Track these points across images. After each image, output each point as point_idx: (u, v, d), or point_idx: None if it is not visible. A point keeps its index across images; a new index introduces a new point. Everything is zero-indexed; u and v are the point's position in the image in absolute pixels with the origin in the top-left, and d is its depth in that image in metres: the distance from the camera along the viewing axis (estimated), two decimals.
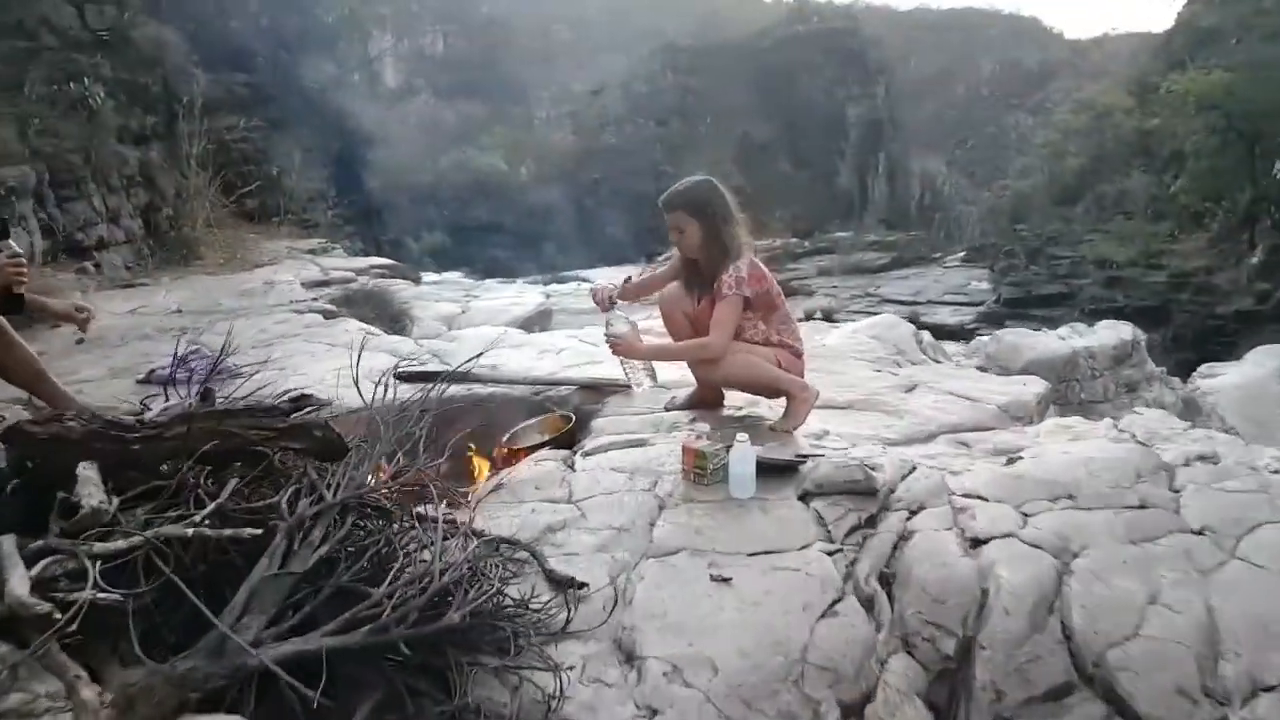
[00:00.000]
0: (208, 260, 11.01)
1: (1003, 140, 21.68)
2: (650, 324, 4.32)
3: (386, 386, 3.17)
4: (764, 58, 24.83)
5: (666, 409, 4.05)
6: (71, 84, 10.18)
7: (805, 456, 3.30)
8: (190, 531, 1.98)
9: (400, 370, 4.42)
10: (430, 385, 4.21)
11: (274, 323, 6.05)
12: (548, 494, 3.21)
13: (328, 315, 6.29)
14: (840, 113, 24.20)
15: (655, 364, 3.97)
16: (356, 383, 3.27)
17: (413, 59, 31.24)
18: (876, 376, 5.08)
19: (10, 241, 3.51)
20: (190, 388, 4.43)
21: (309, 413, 2.42)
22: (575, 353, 5.09)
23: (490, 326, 6.04)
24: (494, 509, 3.13)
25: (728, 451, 3.17)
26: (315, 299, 6.96)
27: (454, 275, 12.63)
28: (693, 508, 3.05)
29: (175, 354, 4.66)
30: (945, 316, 14.05)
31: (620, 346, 3.76)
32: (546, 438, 3.97)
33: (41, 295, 3.94)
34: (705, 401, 4.05)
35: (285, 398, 2.42)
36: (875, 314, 15.56)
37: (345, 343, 5.39)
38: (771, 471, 3.20)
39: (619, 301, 3.83)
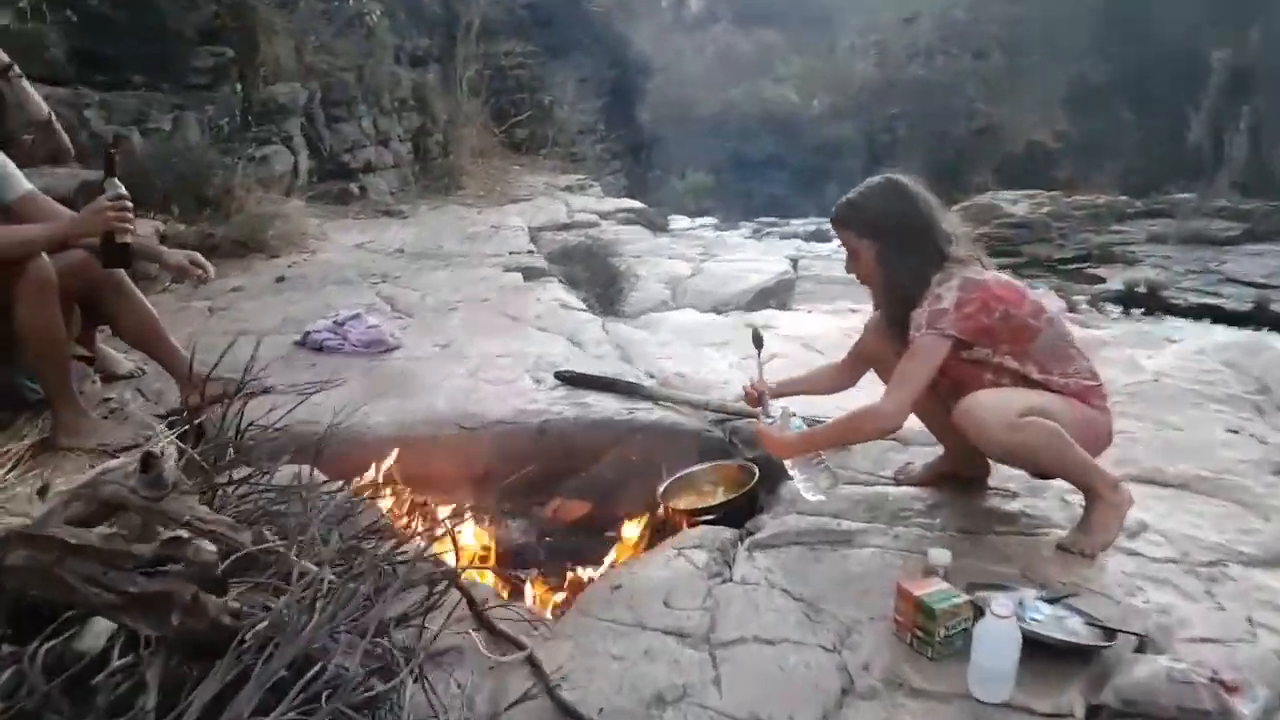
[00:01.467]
0: (468, 191, 10.74)
1: None
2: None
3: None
4: None
5: (897, 481, 2.81)
6: (350, 0, 10.08)
7: (1112, 633, 1.98)
8: None
9: (562, 371, 3.49)
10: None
11: (473, 280, 5.34)
12: (677, 619, 2.13)
13: (530, 275, 5.49)
14: (1201, 55, 20.19)
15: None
16: None
17: None
18: (1230, 441, 3.47)
19: (115, 180, 2.90)
20: (345, 355, 3.79)
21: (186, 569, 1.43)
22: (794, 362, 3.90)
23: (696, 312, 4.95)
24: (592, 632, 2.09)
25: (975, 613, 1.93)
26: (531, 251, 6.21)
27: (704, 222, 11.46)
28: (899, 707, 1.85)
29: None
30: None
31: (765, 441, 2.63)
32: (717, 499, 2.88)
33: (155, 245, 3.36)
34: (956, 473, 2.76)
35: (160, 539, 1.46)
36: (1214, 295, 12.70)
37: (532, 316, 4.53)
38: (1045, 649, 1.93)
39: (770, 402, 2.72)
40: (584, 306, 4.91)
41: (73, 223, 2.92)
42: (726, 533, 2.55)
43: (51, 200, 3.14)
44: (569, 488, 3.04)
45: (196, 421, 3.32)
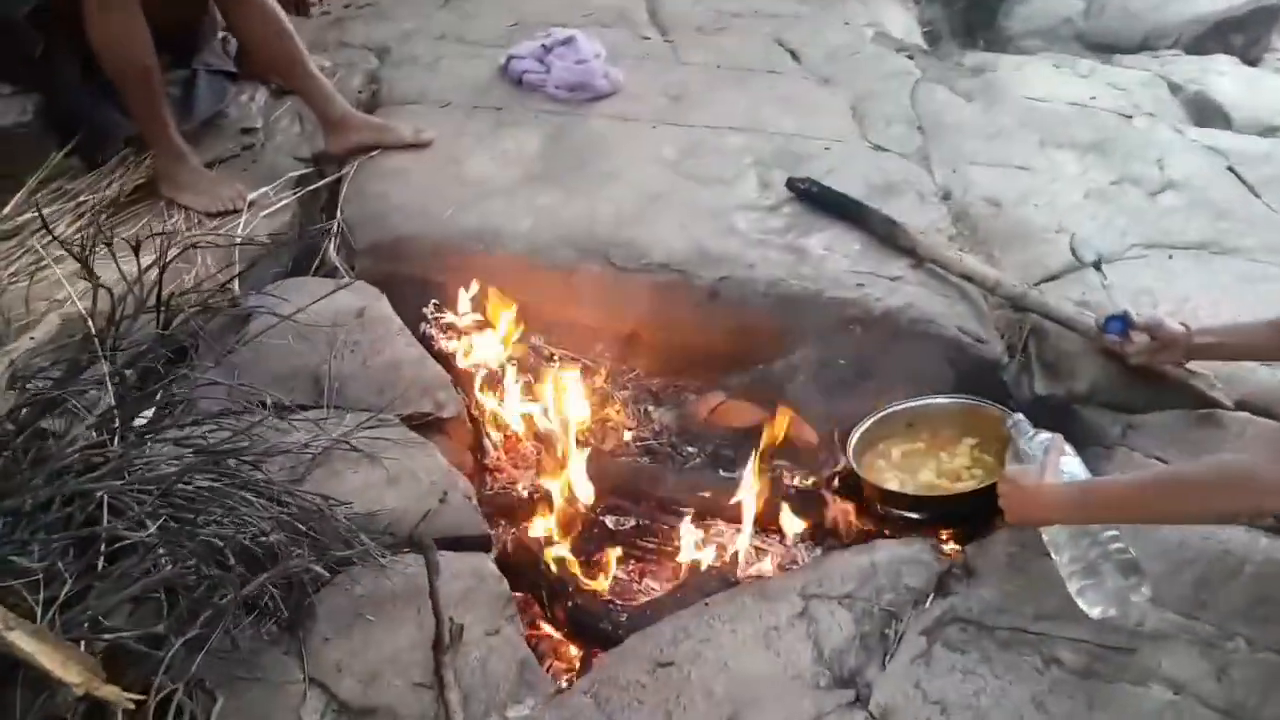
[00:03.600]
0: None
1: None
2: None
3: None
4: None
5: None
6: None
7: None
8: None
9: (799, 180, 2.45)
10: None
11: None
12: None
13: None
14: None
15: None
16: None
17: None
18: None
19: None
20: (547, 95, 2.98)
21: None
22: (1193, 204, 2.47)
23: (1072, 72, 3.19)
24: None
25: None
26: None
27: None
28: None
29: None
30: None
31: (1004, 494, 1.53)
32: (954, 460, 1.87)
33: None
34: None
35: None
36: None
37: (820, 56, 3.26)
38: None
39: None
40: (914, 40, 3.55)
41: None
42: (912, 577, 1.59)
43: None
44: (740, 383, 2.14)
45: (331, 179, 2.79)
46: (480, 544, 1.68)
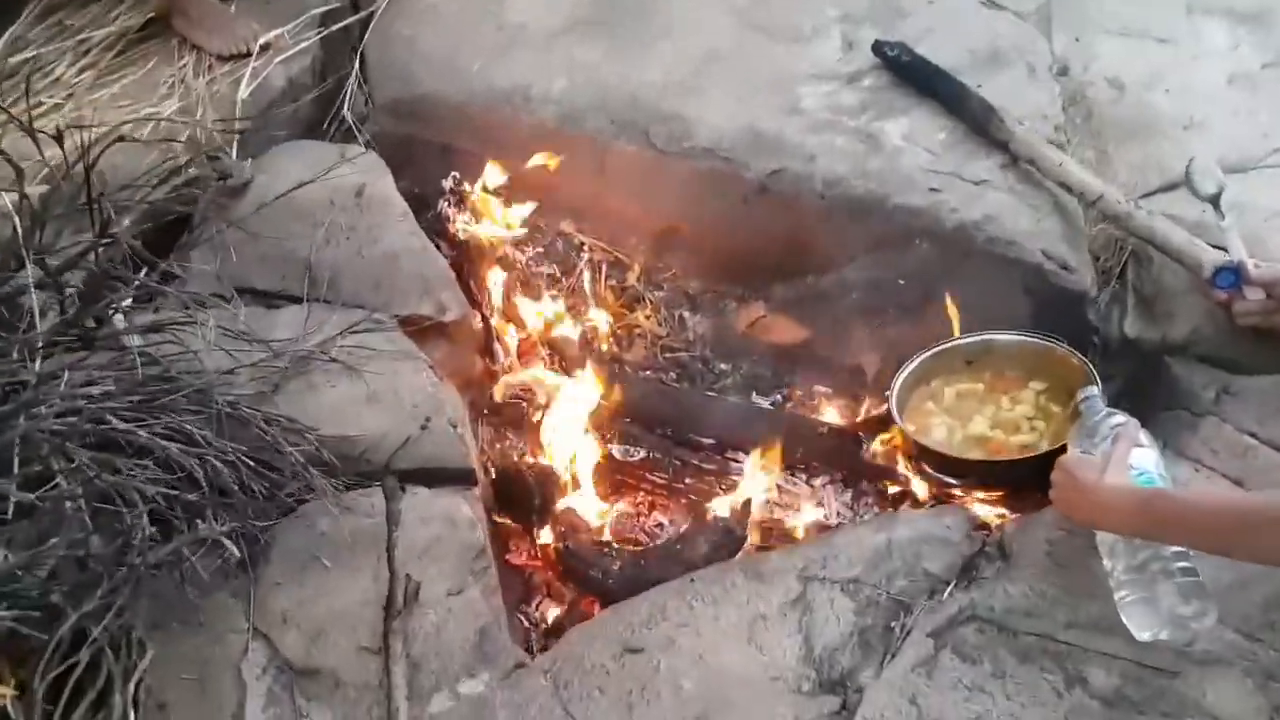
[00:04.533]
0: None
1: None
2: None
3: None
4: None
5: None
6: None
7: None
8: None
9: (889, 42, 2.13)
10: None
11: None
12: None
13: None
14: None
15: None
16: None
17: None
18: None
19: None
20: None
21: None
22: None
23: None
24: None
25: None
26: None
27: None
28: None
29: None
30: None
31: (1058, 485, 1.33)
32: (1016, 407, 1.67)
33: None
34: None
35: None
36: None
37: None
38: None
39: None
40: None
41: None
42: (933, 560, 1.42)
43: None
44: (785, 295, 1.93)
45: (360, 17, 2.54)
46: (462, 478, 1.57)
